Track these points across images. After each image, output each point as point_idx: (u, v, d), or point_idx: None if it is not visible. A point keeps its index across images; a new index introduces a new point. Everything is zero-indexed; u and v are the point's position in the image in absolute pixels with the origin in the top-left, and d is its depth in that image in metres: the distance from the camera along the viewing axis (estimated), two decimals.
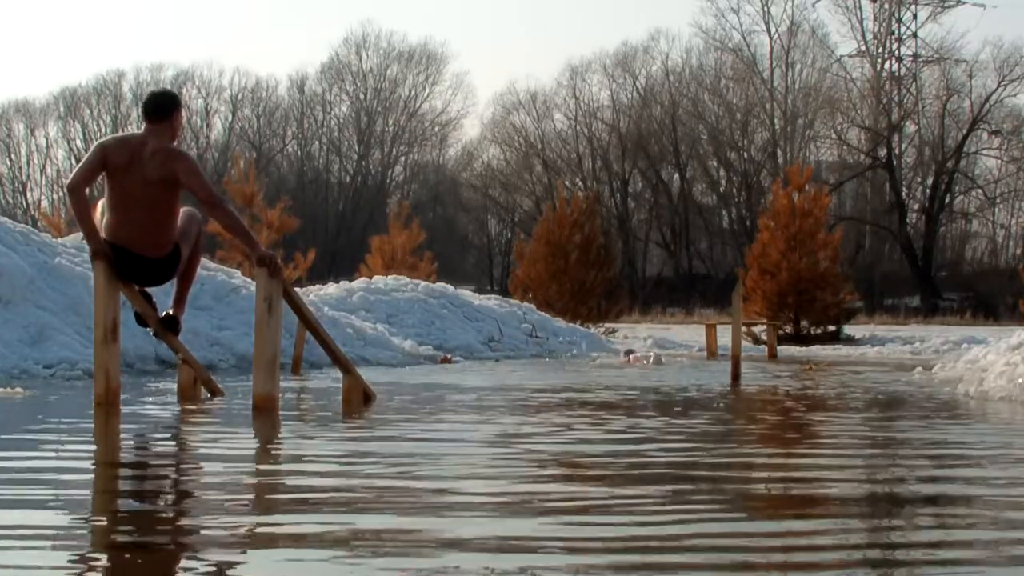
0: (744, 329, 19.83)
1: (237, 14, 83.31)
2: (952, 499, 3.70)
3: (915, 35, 53.91)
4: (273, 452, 5.02)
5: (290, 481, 4.06)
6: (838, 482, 4.13)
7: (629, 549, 2.87)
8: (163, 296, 7.17)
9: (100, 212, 6.64)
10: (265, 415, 6.14)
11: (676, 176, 56.91)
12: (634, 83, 57.99)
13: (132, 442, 5.26)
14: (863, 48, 54.54)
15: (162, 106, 6.56)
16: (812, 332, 23.51)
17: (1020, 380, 7.91)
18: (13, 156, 62.13)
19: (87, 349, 8.89)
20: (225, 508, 3.43)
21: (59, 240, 11.73)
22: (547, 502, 3.56)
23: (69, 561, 2.72)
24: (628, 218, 56.52)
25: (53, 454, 4.58)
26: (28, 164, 62.48)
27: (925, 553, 2.84)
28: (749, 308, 22.48)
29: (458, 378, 10.07)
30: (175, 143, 6.59)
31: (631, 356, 14.34)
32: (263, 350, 6.32)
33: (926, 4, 53.54)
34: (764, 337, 20.44)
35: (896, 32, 54.16)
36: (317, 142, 62.73)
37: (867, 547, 2.95)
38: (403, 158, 62.60)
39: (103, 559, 2.79)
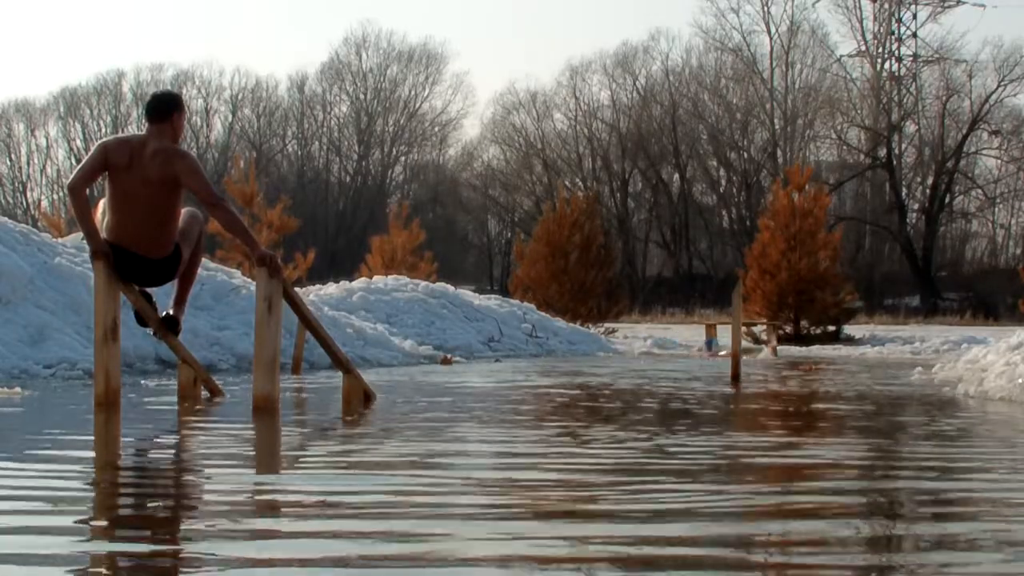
0: (744, 329, 19.82)
1: (237, 14, 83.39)
2: (954, 514, 3.69)
3: (915, 35, 53.93)
4: (272, 454, 5.02)
5: (290, 484, 4.06)
6: (837, 486, 4.13)
7: (636, 555, 2.87)
8: (163, 296, 7.17)
9: (101, 212, 6.64)
10: (265, 415, 6.14)
11: (676, 176, 56.90)
12: (634, 83, 58.01)
13: (132, 442, 5.26)
14: (863, 48, 54.57)
15: (163, 107, 6.56)
16: (812, 332, 23.51)
17: (1020, 380, 7.91)
18: (13, 156, 62.10)
19: (87, 349, 8.89)
20: (225, 510, 3.42)
21: (59, 240, 11.72)
22: (550, 510, 3.55)
23: (69, 564, 2.71)
24: (628, 218, 56.50)
25: (52, 455, 4.57)
26: (28, 164, 62.47)
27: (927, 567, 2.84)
28: (749, 308, 22.48)
29: (459, 378, 10.07)
30: (177, 144, 6.59)
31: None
32: (263, 350, 6.32)
33: (926, 4, 53.57)
34: (764, 337, 20.44)
35: (896, 32, 54.17)
36: (317, 142, 62.72)
37: (868, 567, 2.95)
38: (403, 158, 62.60)
39: (102, 561, 2.79)
